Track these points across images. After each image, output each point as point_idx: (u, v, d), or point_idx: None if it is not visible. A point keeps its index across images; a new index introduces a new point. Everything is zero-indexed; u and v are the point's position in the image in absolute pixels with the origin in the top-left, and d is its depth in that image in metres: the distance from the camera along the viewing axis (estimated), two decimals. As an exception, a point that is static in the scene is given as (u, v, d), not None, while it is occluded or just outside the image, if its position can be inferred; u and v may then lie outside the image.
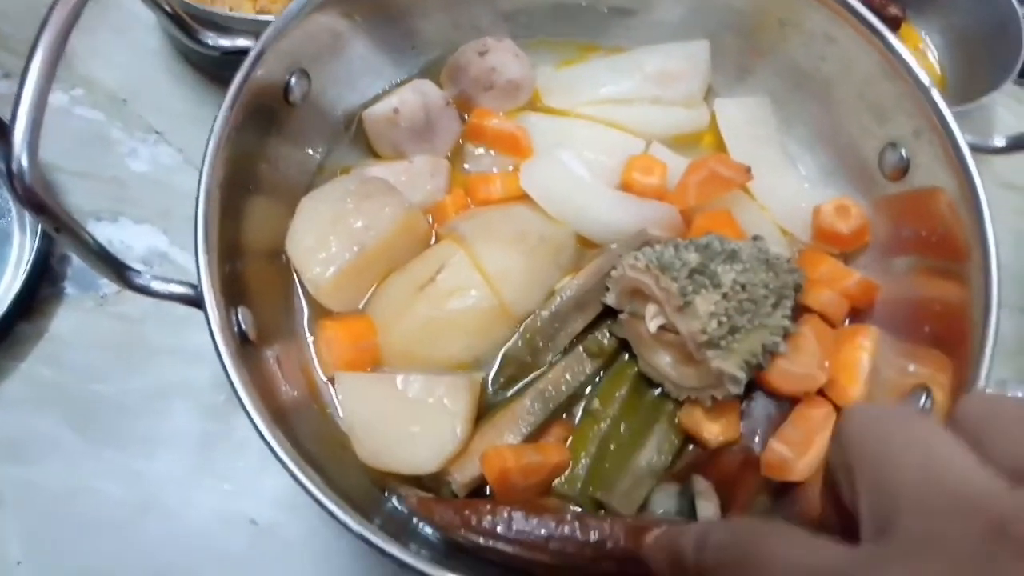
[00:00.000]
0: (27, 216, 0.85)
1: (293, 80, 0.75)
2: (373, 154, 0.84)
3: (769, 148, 0.85)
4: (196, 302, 0.62)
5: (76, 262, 0.85)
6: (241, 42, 0.71)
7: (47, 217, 0.54)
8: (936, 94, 0.72)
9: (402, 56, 0.87)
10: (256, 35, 0.71)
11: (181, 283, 0.63)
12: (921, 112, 0.73)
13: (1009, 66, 0.90)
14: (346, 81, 0.83)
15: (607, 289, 0.75)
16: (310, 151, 0.83)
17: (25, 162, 0.52)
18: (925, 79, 0.72)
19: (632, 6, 0.89)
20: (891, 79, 0.75)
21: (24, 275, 0.80)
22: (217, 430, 0.80)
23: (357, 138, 0.85)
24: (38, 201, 0.53)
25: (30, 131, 0.52)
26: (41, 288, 0.84)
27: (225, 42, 0.71)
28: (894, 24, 1.00)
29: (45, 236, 0.82)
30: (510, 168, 0.84)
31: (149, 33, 0.96)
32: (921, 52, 1.01)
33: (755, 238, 0.76)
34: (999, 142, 0.72)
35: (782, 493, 0.72)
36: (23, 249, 0.84)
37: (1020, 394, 0.68)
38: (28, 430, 0.79)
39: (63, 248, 0.85)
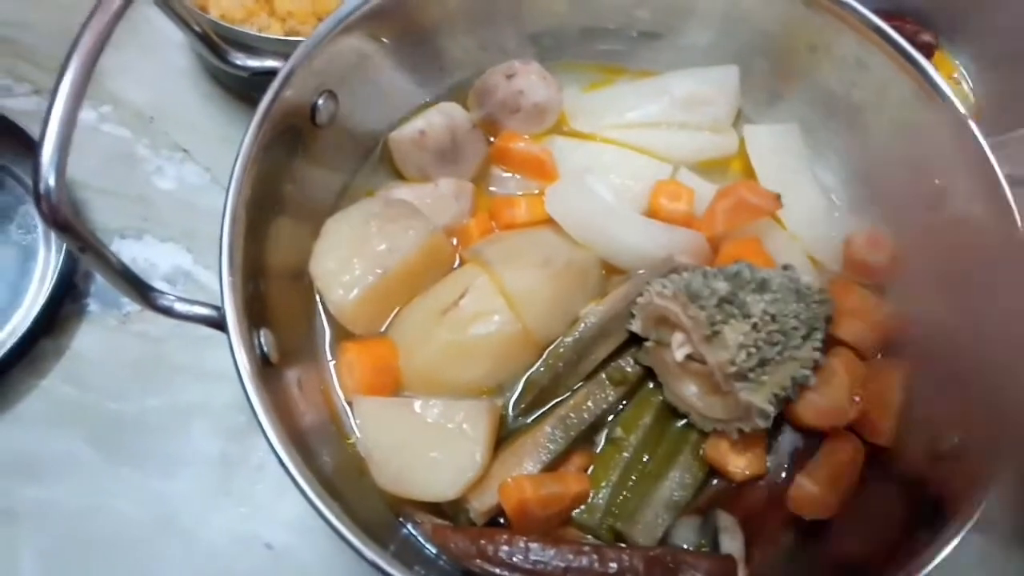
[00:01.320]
0: (52, 233, 0.85)
1: (321, 101, 0.75)
2: (399, 176, 0.84)
3: (799, 175, 0.84)
4: (219, 324, 0.61)
5: (100, 280, 0.85)
6: (270, 63, 0.71)
7: (72, 237, 0.54)
8: (972, 124, 0.71)
9: (429, 78, 0.87)
10: (285, 56, 0.71)
11: (204, 304, 0.62)
12: (956, 142, 0.72)
13: None
14: (373, 103, 0.83)
15: (633, 316, 0.75)
16: (336, 173, 0.83)
17: (52, 182, 0.52)
18: (961, 108, 0.71)
19: (661, 30, 0.88)
20: (925, 107, 0.74)
21: (48, 292, 0.81)
22: (236, 452, 0.79)
23: (383, 160, 0.85)
24: (64, 221, 0.53)
25: (58, 151, 0.52)
26: (64, 305, 0.84)
27: (254, 63, 0.71)
28: (927, 51, 0.99)
29: (70, 253, 0.82)
30: (536, 192, 0.84)
31: (178, 52, 0.97)
32: (955, 80, 0.99)
33: (785, 267, 0.75)
34: None
35: (810, 531, 0.71)
36: (47, 266, 0.85)
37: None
38: (46, 448, 0.79)
39: (87, 267, 0.85)
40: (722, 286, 0.69)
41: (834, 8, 0.77)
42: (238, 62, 0.71)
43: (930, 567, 0.58)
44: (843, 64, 0.80)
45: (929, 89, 0.73)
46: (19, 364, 0.81)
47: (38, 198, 0.52)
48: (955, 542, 0.58)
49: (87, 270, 0.85)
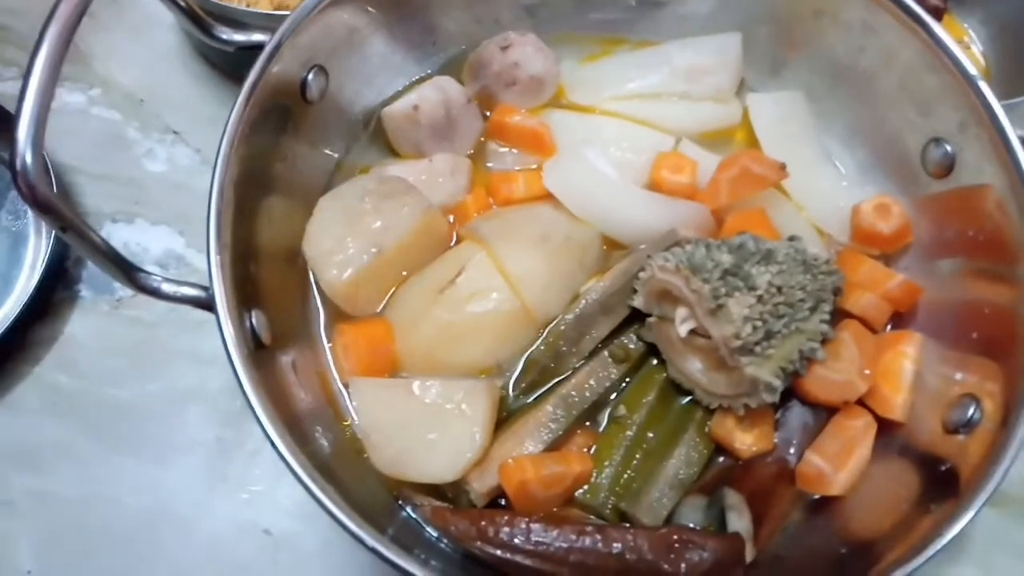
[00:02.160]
0: None
1: (310, 77, 0.74)
2: (393, 152, 0.83)
3: (805, 145, 0.83)
4: (207, 305, 0.60)
5: (92, 265, 0.84)
6: (257, 37, 0.69)
7: (53, 216, 0.53)
8: (984, 85, 0.69)
9: (422, 52, 0.86)
10: (272, 31, 0.70)
11: (192, 285, 0.61)
12: (967, 105, 0.70)
13: None
14: (365, 78, 0.82)
15: (635, 292, 0.73)
16: (328, 150, 0.81)
17: (29, 158, 0.51)
18: (972, 69, 0.69)
19: (656, -4, 0.86)
20: (935, 71, 0.72)
21: (39, 278, 0.80)
22: (232, 437, 0.78)
23: (376, 136, 0.83)
24: (43, 199, 0.52)
25: (34, 125, 0.51)
26: (56, 291, 0.83)
27: (240, 37, 0.70)
28: (936, 15, 0.96)
29: (60, 238, 0.81)
30: (533, 166, 0.83)
31: (167, 33, 0.96)
32: (965, 44, 0.97)
33: (791, 238, 0.73)
34: None
35: (818, 508, 0.69)
36: (38, 251, 0.84)
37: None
38: (42, 437, 0.79)
39: (71, 246, 0.84)
40: (726, 258, 0.67)
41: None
42: (224, 36, 0.70)
43: (944, 541, 0.56)
44: (850, 29, 0.78)
45: (939, 51, 0.71)
46: (12, 352, 0.80)
47: (15, 175, 0.50)
48: (970, 515, 0.56)
49: (78, 256, 0.84)
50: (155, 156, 0.91)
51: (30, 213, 0.85)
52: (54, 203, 0.52)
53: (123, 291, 0.83)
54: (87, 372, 0.81)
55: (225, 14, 0.80)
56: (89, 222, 0.67)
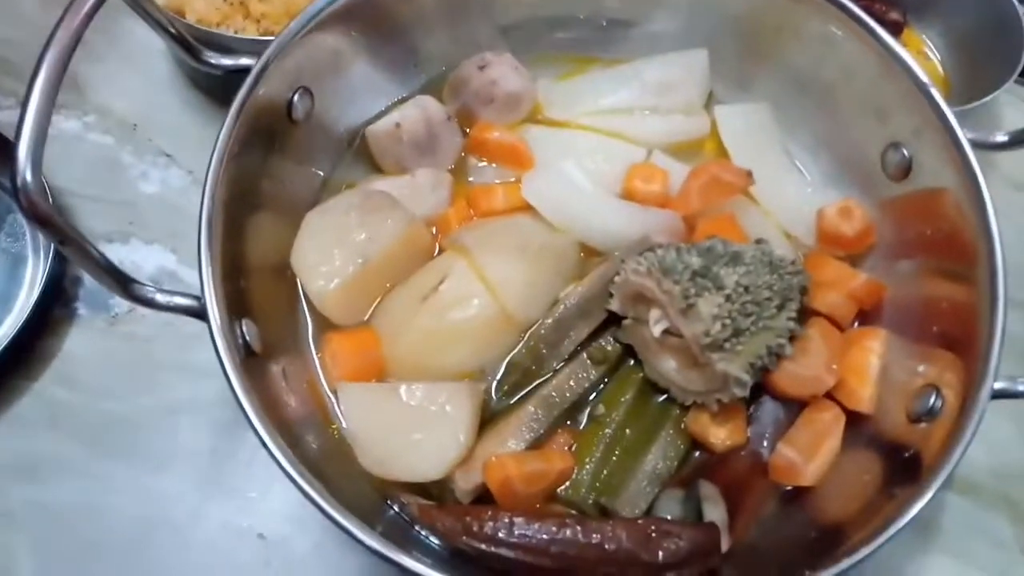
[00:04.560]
0: (40, 238, 0.87)
1: (296, 98, 0.77)
2: (377, 169, 0.86)
3: (771, 152, 0.86)
4: (199, 314, 0.63)
5: (88, 283, 0.87)
6: (244, 61, 0.73)
7: (52, 231, 0.56)
8: (936, 92, 0.73)
9: (404, 73, 0.89)
10: (259, 55, 0.73)
11: (185, 295, 0.64)
12: (921, 111, 0.74)
13: (1011, 65, 0.91)
14: (349, 98, 0.85)
15: (611, 295, 0.76)
16: (314, 168, 0.85)
17: (29, 176, 0.53)
18: (923, 77, 0.73)
19: (630, 18, 0.90)
20: (891, 80, 0.76)
21: (37, 296, 0.82)
22: (225, 446, 0.80)
23: (361, 154, 0.87)
24: (44, 214, 0.55)
25: (34, 145, 0.54)
26: (54, 309, 0.85)
27: (228, 61, 0.73)
28: (895, 29, 1.01)
29: (57, 257, 0.84)
30: (512, 179, 0.86)
31: (159, 61, 0.99)
32: (923, 55, 1.02)
33: (758, 241, 0.76)
34: (1001, 137, 0.72)
35: (792, 499, 0.72)
36: (37, 271, 0.86)
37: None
38: (41, 449, 0.80)
39: (73, 264, 0.87)
40: (695, 260, 0.71)
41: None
42: (212, 61, 0.73)
43: (904, 521, 0.59)
44: (810, 43, 0.82)
45: (892, 61, 0.75)
46: (12, 367, 0.82)
47: (16, 192, 0.53)
48: (928, 496, 0.59)
49: (76, 274, 0.87)
50: (148, 178, 0.93)
51: (28, 234, 0.88)
52: (54, 218, 0.55)
53: (119, 308, 0.86)
54: (85, 386, 0.83)
55: (213, 40, 0.84)
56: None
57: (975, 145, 0.70)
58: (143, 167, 0.94)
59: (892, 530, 0.58)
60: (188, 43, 0.73)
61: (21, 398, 0.82)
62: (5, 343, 0.80)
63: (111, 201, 0.92)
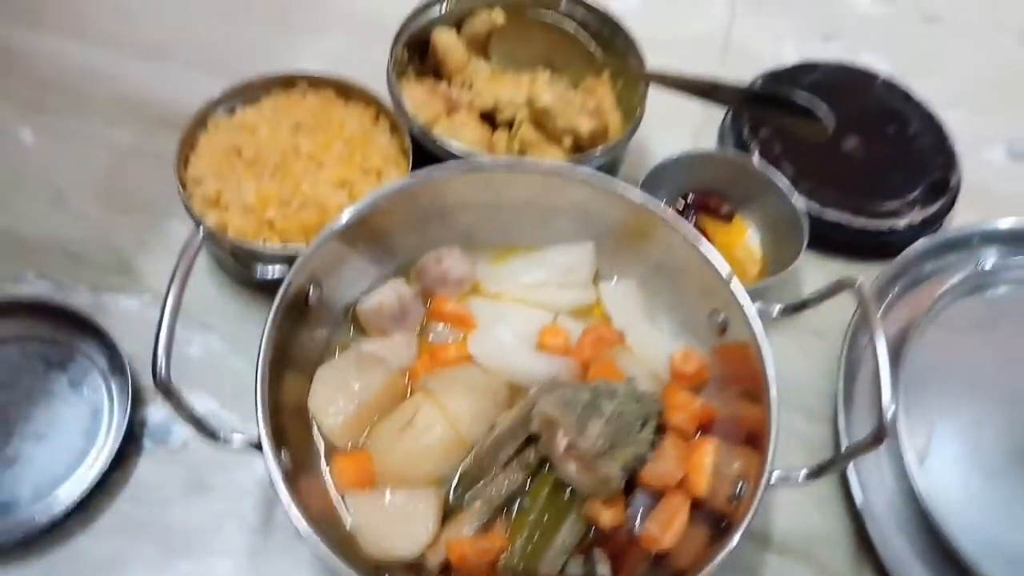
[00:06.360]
0: (115, 392, 1.13)
1: (311, 290, 1.03)
2: (364, 333, 1.08)
3: (638, 315, 1.11)
4: (257, 446, 0.94)
5: (151, 423, 1.11)
6: (278, 274, 1.06)
7: (172, 399, 0.87)
8: (735, 282, 1.06)
9: (381, 262, 1.17)
10: (284, 260, 1.05)
11: (243, 434, 0.94)
12: (726, 291, 1.07)
13: (800, 244, 1.25)
14: (345, 284, 1.12)
15: (531, 420, 0.95)
16: (322, 334, 1.12)
17: (162, 365, 0.85)
18: (724, 270, 1.06)
19: (542, 221, 1.25)
20: (708, 270, 1.06)
21: (115, 436, 1.07)
22: (260, 542, 1.05)
23: (353, 322, 1.14)
24: (168, 388, 0.86)
25: (167, 344, 0.85)
26: (127, 444, 1.05)
27: (269, 276, 1.06)
28: (728, 218, 1.32)
29: (132, 408, 1.09)
30: (461, 338, 1.08)
31: (199, 258, 1.26)
32: (748, 237, 1.32)
33: (628, 380, 1.08)
34: (775, 312, 1.07)
35: (657, 559, 0.97)
36: (112, 417, 1.11)
37: (801, 477, 0.99)
38: (119, 552, 1.03)
39: (139, 410, 1.12)
40: (586, 395, 0.93)
41: (648, 210, 1.14)
42: (258, 275, 1.07)
43: (718, 560, 0.86)
44: (660, 243, 1.10)
45: (709, 260, 1.07)
46: (98, 493, 1.01)
47: (155, 375, 0.85)
48: (731, 546, 0.88)
49: (143, 419, 1.12)
50: (192, 343, 1.15)
51: (104, 388, 1.13)
52: (174, 390, 0.86)
53: (175, 442, 1.10)
54: (151, 502, 1.03)
55: (248, 248, 1.15)
56: (144, 396, 1.03)
57: (761, 314, 1.05)
58: (188, 335, 1.16)
59: (710, 567, 0.87)
60: (241, 257, 1.06)
61: (103, 514, 1.00)
62: (94, 473, 1.04)
63: (165, 363, 1.20)
